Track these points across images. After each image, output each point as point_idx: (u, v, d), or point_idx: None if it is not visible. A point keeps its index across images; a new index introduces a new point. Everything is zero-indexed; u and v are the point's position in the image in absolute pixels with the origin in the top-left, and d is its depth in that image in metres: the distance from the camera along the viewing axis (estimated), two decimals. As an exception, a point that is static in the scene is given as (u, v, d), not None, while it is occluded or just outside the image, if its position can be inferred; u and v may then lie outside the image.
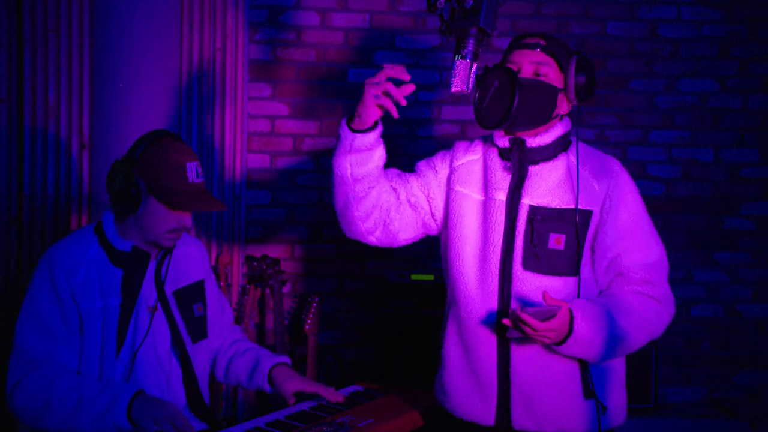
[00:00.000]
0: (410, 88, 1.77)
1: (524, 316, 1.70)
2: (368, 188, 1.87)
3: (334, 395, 2.14)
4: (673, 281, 3.40)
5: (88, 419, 1.83)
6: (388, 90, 1.74)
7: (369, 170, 1.85)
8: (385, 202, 1.93)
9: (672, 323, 3.66)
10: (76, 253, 1.95)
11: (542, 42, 1.87)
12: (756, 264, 3.47)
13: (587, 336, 1.78)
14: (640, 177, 3.38)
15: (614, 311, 1.83)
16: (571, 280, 1.85)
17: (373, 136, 1.82)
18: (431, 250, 3.35)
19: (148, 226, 1.95)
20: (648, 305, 1.88)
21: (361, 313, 3.42)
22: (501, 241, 1.88)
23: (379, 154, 1.86)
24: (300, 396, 2.15)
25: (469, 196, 1.95)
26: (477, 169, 1.97)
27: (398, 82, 1.77)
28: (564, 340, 1.78)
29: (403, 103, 1.75)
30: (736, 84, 3.48)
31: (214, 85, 3.25)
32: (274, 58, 3.39)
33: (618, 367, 1.94)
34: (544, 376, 1.85)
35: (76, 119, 3.08)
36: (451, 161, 2.01)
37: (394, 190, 1.97)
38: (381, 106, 1.77)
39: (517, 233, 1.87)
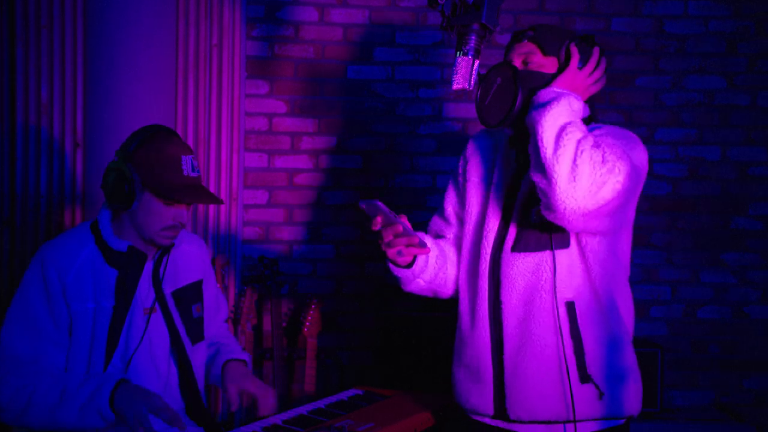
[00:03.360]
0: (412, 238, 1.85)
1: None
2: (443, 274, 1.99)
3: (267, 405, 2.02)
4: (679, 282, 3.43)
5: (72, 410, 1.78)
6: (403, 247, 1.85)
7: (435, 270, 1.97)
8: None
9: (678, 325, 3.60)
10: (70, 250, 1.91)
11: (530, 32, 1.84)
12: (764, 265, 3.42)
13: None
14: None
15: None
16: (559, 253, 1.81)
17: (422, 261, 1.92)
18: (432, 251, 3.31)
19: (143, 223, 1.91)
20: None
21: (361, 314, 3.38)
22: (496, 227, 1.89)
23: (433, 257, 1.95)
24: (243, 395, 2.05)
25: (478, 184, 1.98)
26: (486, 158, 1.99)
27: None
28: None
29: (427, 251, 1.89)
30: (744, 81, 3.44)
31: (210, 82, 3.21)
32: (271, 54, 3.35)
33: (623, 350, 1.86)
34: (537, 360, 1.82)
35: (70, 117, 3.05)
36: (465, 158, 2.05)
37: (453, 245, 2.05)
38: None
39: (512, 218, 1.87)
